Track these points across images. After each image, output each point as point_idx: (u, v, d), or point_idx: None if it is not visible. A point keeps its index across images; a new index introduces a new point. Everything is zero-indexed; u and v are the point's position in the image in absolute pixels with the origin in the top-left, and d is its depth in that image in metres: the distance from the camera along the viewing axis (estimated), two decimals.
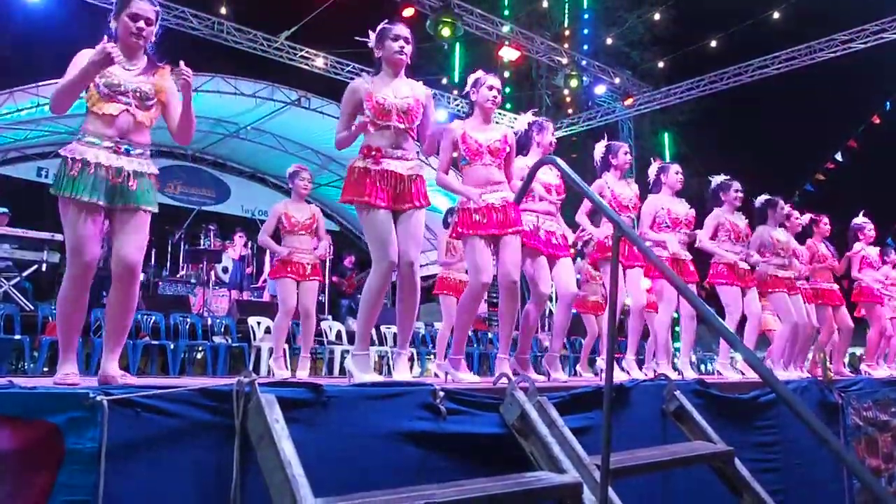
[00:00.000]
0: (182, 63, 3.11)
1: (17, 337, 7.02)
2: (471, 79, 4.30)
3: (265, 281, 12.22)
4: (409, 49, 3.66)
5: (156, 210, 3.14)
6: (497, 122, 4.21)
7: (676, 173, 5.63)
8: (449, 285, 6.66)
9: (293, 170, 6.06)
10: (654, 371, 5.16)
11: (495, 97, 4.19)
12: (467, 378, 3.85)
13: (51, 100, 3.10)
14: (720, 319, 2.10)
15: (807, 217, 6.93)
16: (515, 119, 5.31)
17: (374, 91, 3.57)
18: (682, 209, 5.61)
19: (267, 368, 6.15)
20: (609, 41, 17.53)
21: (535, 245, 4.50)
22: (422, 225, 3.67)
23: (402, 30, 3.67)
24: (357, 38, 3.84)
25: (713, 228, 5.79)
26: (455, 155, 4.21)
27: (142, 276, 11.50)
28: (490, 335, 10.59)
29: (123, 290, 3.03)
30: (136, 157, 3.08)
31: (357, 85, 3.63)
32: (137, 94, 3.08)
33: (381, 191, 3.47)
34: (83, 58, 3.07)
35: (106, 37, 3.06)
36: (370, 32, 3.73)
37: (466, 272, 6.88)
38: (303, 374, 5.77)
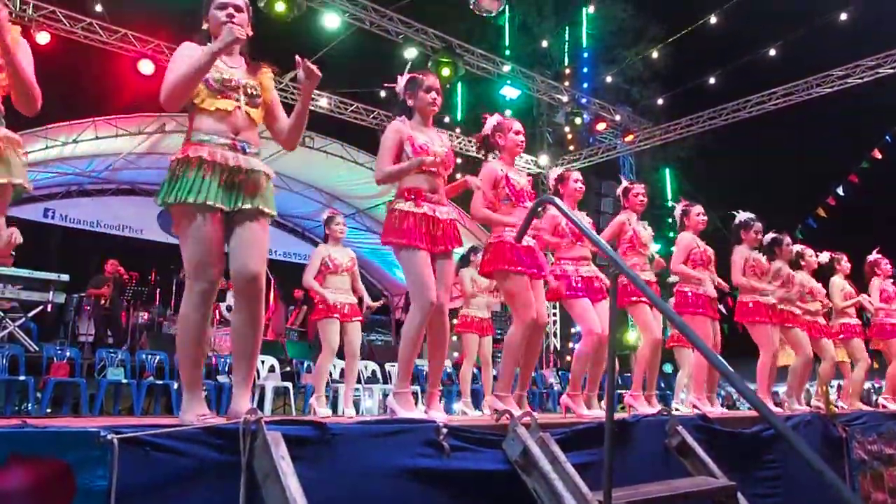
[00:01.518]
0: (304, 60, 2.96)
1: (22, 378, 7.03)
2: (491, 123, 4.36)
3: (269, 318, 12.28)
4: (440, 100, 3.81)
5: (275, 214, 2.91)
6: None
7: (698, 214, 5.73)
8: (468, 323, 6.85)
9: (329, 215, 6.21)
10: (693, 405, 5.27)
11: (522, 141, 4.36)
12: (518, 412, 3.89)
13: (167, 94, 2.77)
14: (719, 357, 2.14)
15: (826, 255, 7.00)
16: (520, 157, 5.43)
17: (415, 136, 3.69)
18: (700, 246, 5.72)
19: (309, 408, 6.18)
20: (609, 79, 17.78)
21: (578, 291, 4.68)
22: (452, 271, 3.80)
23: (434, 81, 3.82)
24: (385, 84, 3.98)
25: (743, 265, 5.84)
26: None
27: (146, 315, 11.48)
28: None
29: (248, 308, 2.76)
30: (252, 156, 2.87)
31: (400, 126, 3.72)
32: (248, 91, 2.92)
33: (421, 233, 3.57)
34: (189, 50, 2.88)
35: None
36: (398, 77, 3.88)
37: (487, 308, 7.07)
38: (350, 411, 5.82)
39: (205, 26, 3.02)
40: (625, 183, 5.62)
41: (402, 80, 3.85)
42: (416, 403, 3.70)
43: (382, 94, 10.58)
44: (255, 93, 2.95)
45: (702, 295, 5.49)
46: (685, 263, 5.55)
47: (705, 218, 5.74)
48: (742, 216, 6.02)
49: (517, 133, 4.32)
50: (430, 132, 3.83)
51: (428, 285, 3.51)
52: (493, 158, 4.34)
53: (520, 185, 4.24)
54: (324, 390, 6.03)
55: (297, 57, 2.99)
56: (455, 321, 6.99)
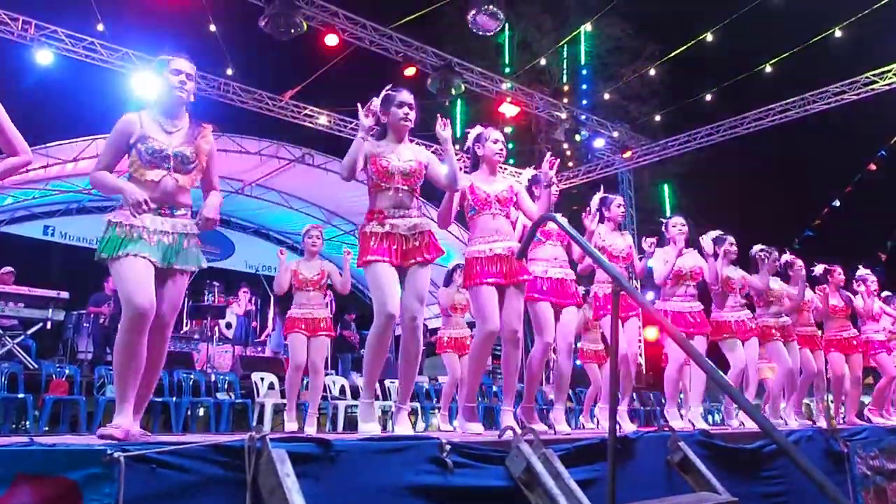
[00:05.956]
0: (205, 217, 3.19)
1: (21, 395, 7.01)
2: (472, 134, 4.39)
3: (268, 335, 12.28)
4: (413, 115, 3.82)
5: (196, 268, 3.21)
6: (502, 175, 4.36)
7: (674, 226, 5.73)
8: (450, 343, 6.82)
9: (305, 229, 6.26)
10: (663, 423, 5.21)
11: (501, 150, 4.33)
12: (475, 428, 3.88)
13: (92, 181, 3.21)
14: (718, 371, 2.16)
15: (821, 267, 7.03)
16: (520, 173, 5.44)
17: (379, 155, 3.72)
18: (689, 262, 5.70)
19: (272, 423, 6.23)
20: (606, 95, 17.86)
21: (541, 294, 4.57)
22: (426, 280, 3.76)
23: (406, 97, 3.83)
24: (359, 103, 3.97)
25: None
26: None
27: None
28: (495, 388, 10.56)
29: (156, 347, 3.08)
30: (180, 218, 3.14)
31: (361, 144, 3.71)
32: (178, 159, 3.13)
33: (385, 249, 3.61)
34: (123, 128, 3.14)
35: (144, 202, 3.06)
36: (374, 99, 3.86)
37: (468, 326, 7.04)
38: (311, 430, 5.80)
39: (155, 84, 3.29)
40: (600, 194, 5.60)
41: (377, 100, 3.85)
42: (415, 423, 3.73)
43: None
44: (186, 160, 3.16)
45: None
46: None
47: (685, 228, 5.75)
48: (714, 233, 6.02)
49: (495, 142, 4.30)
50: (401, 147, 3.83)
51: (388, 297, 3.53)
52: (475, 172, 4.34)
53: (485, 193, 4.20)
54: (295, 405, 6.09)
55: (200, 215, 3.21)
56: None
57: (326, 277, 6.11)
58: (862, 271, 7.42)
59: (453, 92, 11.94)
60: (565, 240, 4.82)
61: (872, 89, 12.45)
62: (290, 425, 5.94)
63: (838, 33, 12.27)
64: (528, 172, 5.02)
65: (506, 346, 4.15)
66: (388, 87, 3.89)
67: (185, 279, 3.18)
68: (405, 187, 3.75)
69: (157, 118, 3.18)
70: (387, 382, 9.27)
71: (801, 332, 6.69)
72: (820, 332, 6.98)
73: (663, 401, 5.97)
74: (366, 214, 3.76)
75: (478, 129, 4.41)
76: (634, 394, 12.11)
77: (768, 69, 13.26)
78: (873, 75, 12.39)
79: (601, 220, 5.49)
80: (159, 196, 3.08)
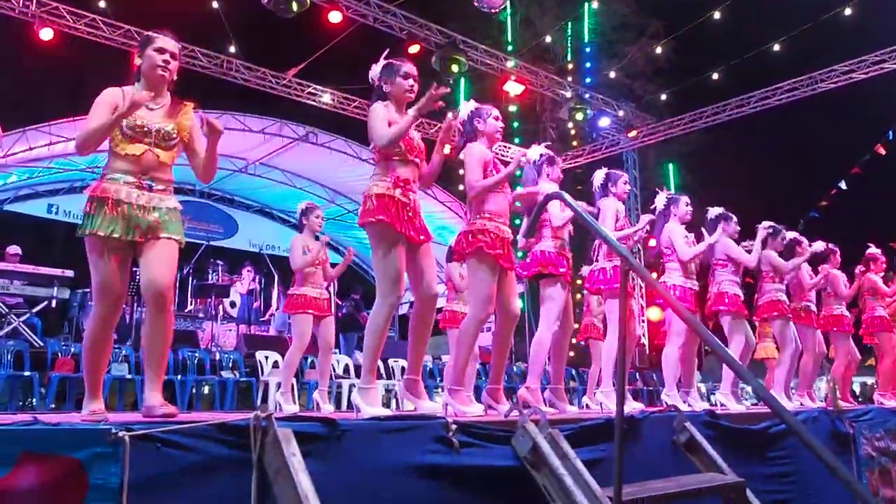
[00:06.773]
0: (209, 117, 3.18)
1: (27, 373, 7.05)
2: (466, 108, 4.24)
3: (272, 314, 12.29)
4: (417, 88, 3.74)
5: (181, 240, 3.13)
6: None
7: (686, 205, 5.69)
8: (456, 318, 6.75)
9: (307, 206, 6.10)
10: (665, 403, 5.18)
11: (502, 128, 4.26)
12: (470, 410, 3.78)
13: (78, 142, 3.11)
14: (729, 351, 2.13)
15: (821, 245, 6.98)
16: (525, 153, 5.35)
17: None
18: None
19: (275, 403, 6.18)
20: (612, 74, 17.69)
21: (566, 276, 4.62)
22: (433, 255, 3.72)
23: (411, 68, 3.75)
24: (363, 67, 3.88)
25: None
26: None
27: None
28: (515, 368, 10.54)
29: (155, 316, 3.02)
30: (157, 193, 3.10)
31: (385, 111, 3.62)
32: (160, 135, 3.13)
33: (407, 224, 3.51)
34: (108, 97, 3.12)
35: (136, 84, 3.17)
36: (373, 65, 3.78)
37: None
38: (328, 407, 5.79)
39: (138, 62, 3.24)
40: (605, 170, 5.52)
41: (376, 67, 3.76)
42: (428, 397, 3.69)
43: None
44: (168, 136, 3.16)
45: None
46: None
47: (692, 209, 5.72)
48: (718, 210, 5.98)
49: (497, 119, 4.20)
50: None
51: (400, 280, 3.46)
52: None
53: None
54: (290, 385, 6.03)
55: (199, 116, 3.23)
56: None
57: (327, 257, 6.12)
58: (872, 250, 7.38)
59: (457, 70, 11.81)
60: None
61: (881, 68, 12.30)
62: (289, 406, 5.79)
63: (847, 12, 12.12)
64: (540, 148, 4.94)
65: (508, 328, 4.10)
66: (386, 55, 3.79)
67: (172, 247, 3.09)
68: (420, 163, 3.70)
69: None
70: (390, 362, 9.28)
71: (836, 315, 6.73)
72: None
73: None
74: (391, 180, 3.53)
75: (473, 103, 4.27)
76: (637, 374, 12.15)
77: (776, 48, 13.11)
78: (882, 54, 12.25)
79: (605, 195, 5.43)
80: (139, 170, 3.07)
